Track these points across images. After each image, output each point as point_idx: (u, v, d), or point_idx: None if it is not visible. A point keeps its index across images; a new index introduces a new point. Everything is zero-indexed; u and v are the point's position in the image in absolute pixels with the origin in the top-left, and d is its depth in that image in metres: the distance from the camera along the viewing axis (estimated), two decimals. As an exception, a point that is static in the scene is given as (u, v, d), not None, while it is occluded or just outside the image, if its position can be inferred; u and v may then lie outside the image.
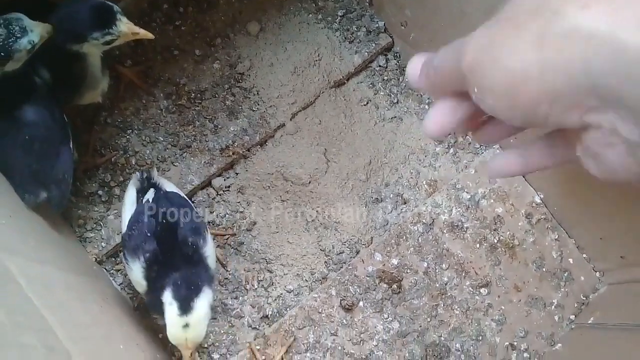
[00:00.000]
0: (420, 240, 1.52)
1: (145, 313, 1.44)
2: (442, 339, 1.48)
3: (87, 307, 1.03)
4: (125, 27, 1.11)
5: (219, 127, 1.53)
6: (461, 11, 1.34)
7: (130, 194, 1.27)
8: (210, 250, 1.23)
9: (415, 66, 0.68)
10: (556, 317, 1.53)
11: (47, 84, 1.20)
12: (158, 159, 1.51)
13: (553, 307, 1.54)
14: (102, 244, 1.43)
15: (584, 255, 1.56)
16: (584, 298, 1.55)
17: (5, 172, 1.16)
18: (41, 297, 0.82)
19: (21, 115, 1.14)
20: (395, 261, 1.50)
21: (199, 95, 1.54)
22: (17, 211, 1.07)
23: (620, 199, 1.33)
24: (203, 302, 1.14)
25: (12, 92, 1.13)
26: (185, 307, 1.11)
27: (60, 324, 0.79)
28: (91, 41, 1.13)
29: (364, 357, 1.45)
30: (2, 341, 0.59)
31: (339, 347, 1.44)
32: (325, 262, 1.52)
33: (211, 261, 1.23)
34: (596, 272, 1.56)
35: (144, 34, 1.14)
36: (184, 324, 1.11)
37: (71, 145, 1.24)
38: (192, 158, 1.52)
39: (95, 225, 1.44)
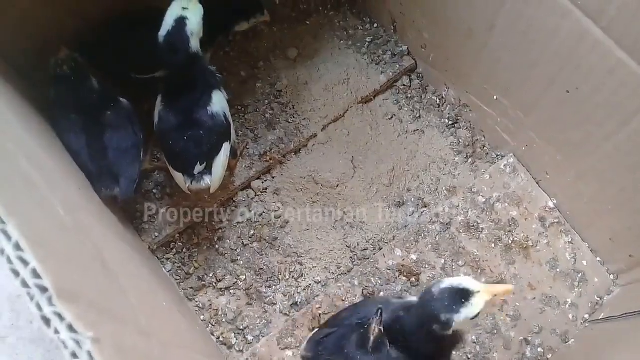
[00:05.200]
0: (437, 239, 1.65)
1: (191, 295, 1.63)
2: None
3: (136, 265, 1.23)
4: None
5: (259, 136, 1.75)
6: (469, 29, 1.52)
7: None
8: None
9: None
10: (570, 316, 1.61)
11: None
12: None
13: (567, 306, 1.62)
14: (155, 233, 1.64)
15: (598, 259, 1.65)
16: (598, 299, 1.63)
17: (88, 168, 1.40)
18: (102, 243, 1.02)
19: (105, 122, 1.42)
20: (414, 257, 1.64)
21: (242, 109, 1.77)
22: (85, 187, 1.30)
23: (622, 195, 1.44)
24: None
25: (99, 104, 1.41)
26: None
27: (111, 259, 0.98)
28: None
29: (383, 343, 1.57)
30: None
31: (360, 332, 1.57)
32: (351, 257, 1.68)
33: None
34: (610, 274, 1.64)
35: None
36: None
37: (142, 149, 1.50)
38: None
39: (149, 218, 1.65)
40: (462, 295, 1.10)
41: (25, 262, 0.55)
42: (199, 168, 1.45)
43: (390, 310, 1.24)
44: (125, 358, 0.60)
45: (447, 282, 1.13)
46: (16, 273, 0.54)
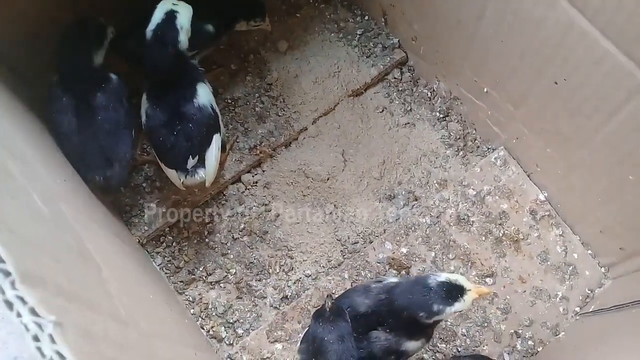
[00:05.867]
0: (428, 232, 1.65)
1: (181, 289, 1.63)
2: (449, 323, 1.58)
3: (123, 258, 1.22)
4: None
5: (249, 130, 1.74)
6: (457, 20, 1.51)
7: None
8: None
9: None
10: (561, 309, 1.60)
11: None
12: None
13: (558, 299, 1.61)
14: (145, 227, 1.64)
15: (589, 251, 1.64)
16: (589, 292, 1.62)
17: (77, 154, 1.39)
18: (85, 234, 1.02)
19: (95, 101, 1.41)
20: (404, 250, 1.63)
21: (232, 103, 1.77)
22: (73, 180, 1.30)
23: (612, 187, 1.43)
24: None
25: (90, 83, 1.41)
26: None
27: (95, 249, 0.98)
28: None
29: (373, 336, 1.57)
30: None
31: (350, 325, 1.57)
32: (341, 250, 1.67)
33: None
34: (601, 267, 1.63)
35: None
36: None
37: (133, 132, 1.49)
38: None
39: (139, 212, 1.65)
40: (458, 291, 1.18)
41: (-12, 246, 0.55)
42: (191, 162, 1.44)
43: (372, 295, 1.27)
44: (91, 343, 0.60)
45: (444, 277, 1.20)
46: (-20, 257, 0.54)
